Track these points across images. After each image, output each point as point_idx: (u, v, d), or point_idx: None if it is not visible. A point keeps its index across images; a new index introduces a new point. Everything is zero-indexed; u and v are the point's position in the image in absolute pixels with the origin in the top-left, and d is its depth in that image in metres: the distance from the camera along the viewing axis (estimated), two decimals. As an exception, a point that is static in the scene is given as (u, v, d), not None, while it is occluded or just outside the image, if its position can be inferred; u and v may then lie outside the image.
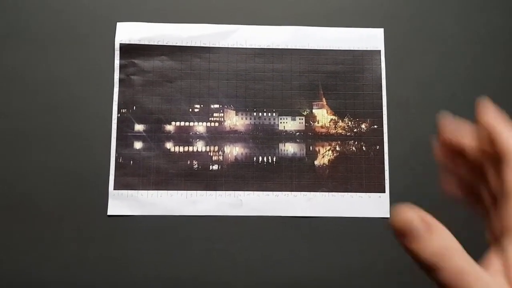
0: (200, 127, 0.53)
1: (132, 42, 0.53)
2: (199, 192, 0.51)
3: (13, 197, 0.50)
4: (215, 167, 0.52)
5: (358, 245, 0.51)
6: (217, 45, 0.54)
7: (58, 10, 0.53)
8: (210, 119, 0.53)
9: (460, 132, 0.24)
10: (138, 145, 0.52)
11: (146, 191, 0.51)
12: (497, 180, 0.22)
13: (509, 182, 0.21)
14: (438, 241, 0.19)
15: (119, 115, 0.52)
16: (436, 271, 0.19)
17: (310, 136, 0.53)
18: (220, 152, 0.52)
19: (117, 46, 0.53)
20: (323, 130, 0.53)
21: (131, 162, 0.52)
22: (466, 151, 0.24)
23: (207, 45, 0.54)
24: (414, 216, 0.20)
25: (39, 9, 0.53)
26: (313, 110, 0.54)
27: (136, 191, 0.51)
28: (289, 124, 0.53)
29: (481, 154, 0.23)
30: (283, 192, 0.52)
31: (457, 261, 0.19)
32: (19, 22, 0.53)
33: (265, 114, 0.53)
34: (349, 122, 0.54)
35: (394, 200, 0.52)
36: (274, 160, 0.53)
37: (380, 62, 0.54)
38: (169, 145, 0.52)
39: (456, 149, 0.24)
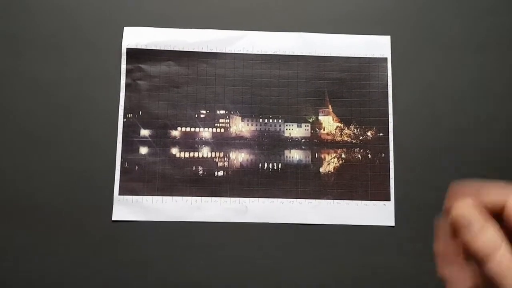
0: (205, 133, 0.53)
1: (139, 46, 0.53)
2: (204, 198, 0.51)
3: (17, 200, 0.50)
4: (220, 173, 0.52)
5: (363, 253, 0.51)
6: (223, 51, 0.54)
7: (65, 14, 0.53)
8: (216, 125, 0.53)
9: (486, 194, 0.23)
10: (143, 150, 0.52)
11: (151, 197, 0.51)
12: None
13: None
14: (491, 235, 0.22)
15: (125, 120, 0.52)
16: (486, 261, 0.21)
17: (316, 143, 0.53)
18: (225, 158, 0.52)
19: (124, 51, 0.53)
20: (329, 137, 0.53)
21: (137, 167, 0.51)
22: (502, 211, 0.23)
23: (214, 50, 0.54)
24: (472, 213, 0.22)
25: (46, 13, 0.53)
26: (319, 117, 0.54)
27: (141, 196, 0.51)
28: (294, 130, 0.53)
29: None
30: (288, 199, 0.52)
31: (504, 255, 0.21)
32: (25, 25, 0.53)
33: (271, 120, 0.53)
34: (355, 130, 0.53)
35: (399, 208, 0.52)
36: (280, 167, 0.52)
37: (387, 69, 0.54)
38: (174, 151, 0.52)
39: (489, 211, 0.23)
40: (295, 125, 0.53)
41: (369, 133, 0.53)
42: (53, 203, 0.50)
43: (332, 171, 0.53)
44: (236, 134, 0.53)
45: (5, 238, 0.49)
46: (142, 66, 0.53)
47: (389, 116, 0.54)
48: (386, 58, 0.55)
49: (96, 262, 0.49)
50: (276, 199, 0.52)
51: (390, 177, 0.52)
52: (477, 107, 0.54)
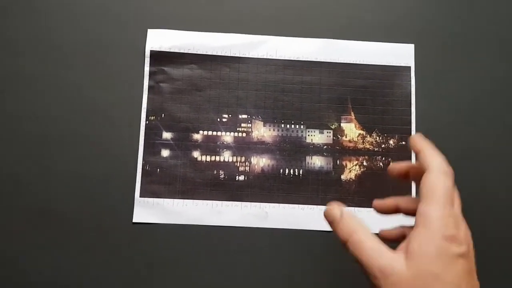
0: (227, 137, 0.53)
1: (163, 49, 0.53)
2: (224, 202, 0.51)
3: (38, 201, 0.50)
4: (241, 177, 0.52)
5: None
6: (247, 55, 0.54)
7: (89, 17, 0.53)
8: (237, 129, 0.53)
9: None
10: (165, 153, 0.52)
11: (171, 200, 0.51)
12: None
13: (422, 188, 0.30)
14: (346, 223, 0.31)
15: (147, 122, 0.52)
16: (345, 244, 0.30)
17: (338, 150, 0.53)
18: (246, 163, 0.52)
19: (147, 53, 0.53)
20: (351, 144, 0.53)
21: (158, 170, 0.51)
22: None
23: (237, 55, 0.54)
24: (334, 209, 0.32)
25: (71, 15, 0.53)
26: (341, 124, 0.53)
27: (162, 199, 0.51)
28: (316, 137, 0.53)
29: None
30: (308, 206, 0.51)
31: (357, 236, 0.29)
32: (51, 29, 0.53)
33: (292, 126, 0.53)
34: (377, 138, 0.53)
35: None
36: (301, 173, 0.52)
37: (410, 78, 0.54)
38: (196, 154, 0.52)
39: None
40: (317, 131, 0.53)
41: (391, 142, 0.53)
42: (74, 205, 0.50)
43: (354, 178, 0.52)
44: (258, 139, 0.53)
45: (26, 240, 0.49)
46: (165, 68, 0.53)
47: (412, 125, 0.53)
48: (409, 67, 0.54)
49: (116, 264, 0.49)
50: (297, 205, 0.51)
51: (412, 187, 0.52)
52: (503, 114, 0.54)
